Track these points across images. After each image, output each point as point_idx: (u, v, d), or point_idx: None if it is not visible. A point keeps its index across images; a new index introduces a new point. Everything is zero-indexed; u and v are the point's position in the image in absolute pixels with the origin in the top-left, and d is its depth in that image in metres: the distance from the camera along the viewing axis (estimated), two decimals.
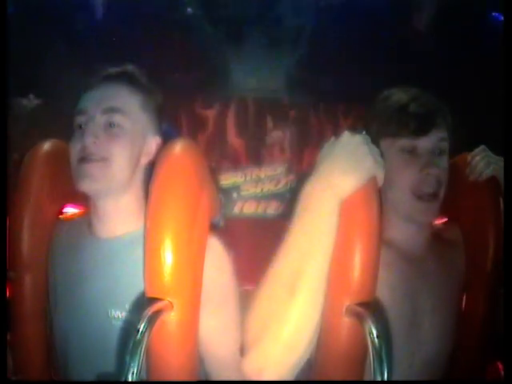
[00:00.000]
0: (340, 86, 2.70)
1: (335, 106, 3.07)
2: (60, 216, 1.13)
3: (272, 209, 2.44)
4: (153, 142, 1.07)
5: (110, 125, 1.01)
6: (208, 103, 2.94)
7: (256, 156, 3.02)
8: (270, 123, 2.97)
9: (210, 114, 3.01)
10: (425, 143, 1.03)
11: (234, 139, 3.04)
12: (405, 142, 1.04)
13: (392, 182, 1.03)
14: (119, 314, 0.97)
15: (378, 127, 1.08)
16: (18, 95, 2.26)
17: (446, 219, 1.16)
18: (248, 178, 2.49)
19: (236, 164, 3.03)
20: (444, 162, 1.05)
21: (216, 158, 2.98)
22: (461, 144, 1.15)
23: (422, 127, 1.03)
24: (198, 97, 2.94)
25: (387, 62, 2.52)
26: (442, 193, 1.04)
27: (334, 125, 3.05)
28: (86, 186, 0.99)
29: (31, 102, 2.28)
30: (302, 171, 3.01)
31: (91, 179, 0.98)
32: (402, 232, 1.07)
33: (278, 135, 3.09)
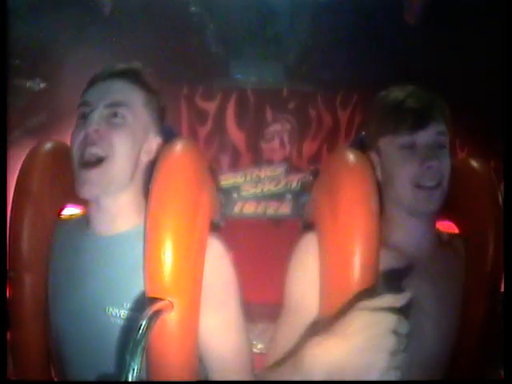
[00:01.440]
0: (337, 76, 2.91)
1: (333, 95, 3.24)
2: (60, 215, 1.14)
3: (272, 209, 2.49)
4: (153, 141, 1.09)
5: (113, 115, 1.03)
6: (209, 95, 3.12)
7: (255, 151, 3.11)
8: (269, 115, 3.21)
9: (211, 106, 3.14)
10: (423, 138, 1.04)
11: (234, 131, 3.15)
12: (404, 138, 1.05)
13: (393, 179, 1.06)
14: (117, 312, 0.98)
15: (377, 126, 1.10)
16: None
17: (449, 231, 1.17)
18: (248, 178, 2.57)
19: (235, 159, 3.13)
20: (445, 155, 1.06)
21: (216, 151, 3.09)
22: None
23: (419, 122, 1.04)
24: (198, 89, 3.17)
25: (385, 53, 2.65)
26: (445, 182, 1.05)
27: (332, 115, 3.21)
28: (87, 193, 1.01)
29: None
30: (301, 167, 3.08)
31: (92, 185, 1.00)
32: (407, 233, 1.08)
33: (277, 129, 3.23)
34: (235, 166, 3.10)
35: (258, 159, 3.17)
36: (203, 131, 3.20)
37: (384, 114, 1.09)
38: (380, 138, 1.09)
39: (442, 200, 1.05)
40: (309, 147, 3.24)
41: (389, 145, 1.07)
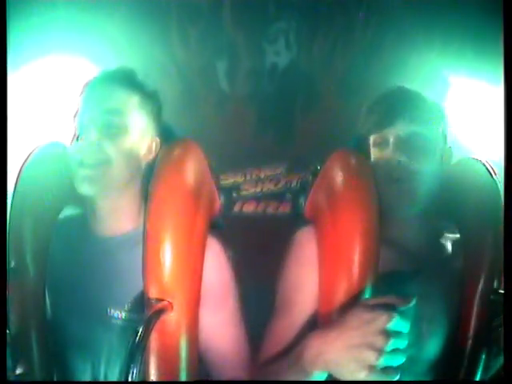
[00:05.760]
0: None
1: None
2: (60, 216, 1.20)
3: (272, 208, 2.52)
4: (152, 143, 1.14)
5: (110, 126, 1.07)
6: None
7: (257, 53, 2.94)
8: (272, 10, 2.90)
9: (204, 0, 2.95)
10: (393, 134, 1.11)
11: (231, 30, 2.95)
12: (376, 135, 1.13)
13: (375, 177, 1.10)
14: (118, 313, 1.06)
15: (360, 128, 1.17)
16: None
17: (447, 230, 1.22)
18: (248, 177, 2.55)
19: (234, 64, 2.94)
20: (420, 154, 1.10)
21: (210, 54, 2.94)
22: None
23: (386, 119, 1.12)
24: None
25: None
26: (418, 180, 1.09)
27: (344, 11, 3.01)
28: (85, 189, 1.06)
29: None
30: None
31: (91, 182, 1.05)
32: (402, 231, 1.14)
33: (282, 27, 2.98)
34: (233, 72, 2.95)
35: (260, 63, 3.01)
36: (195, 31, 2.96)
37: (364, 115, 1.17)
38: (364, 138, 1.16)
39: (416, 198, 1.10)
40: (319, 48, 3.03)
41: (369, 143, 1.14)
